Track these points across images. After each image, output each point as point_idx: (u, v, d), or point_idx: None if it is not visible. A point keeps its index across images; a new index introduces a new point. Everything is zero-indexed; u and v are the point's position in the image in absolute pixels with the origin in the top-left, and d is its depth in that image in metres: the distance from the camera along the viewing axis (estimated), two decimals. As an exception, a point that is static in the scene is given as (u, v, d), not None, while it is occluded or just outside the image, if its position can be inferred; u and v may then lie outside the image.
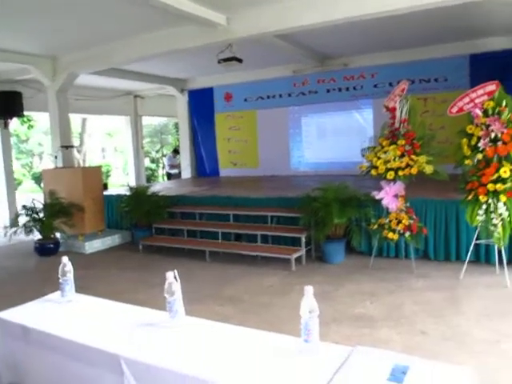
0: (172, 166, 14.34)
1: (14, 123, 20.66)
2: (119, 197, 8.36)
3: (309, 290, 1.92)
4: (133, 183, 13.32)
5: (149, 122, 22.62)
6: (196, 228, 7.37)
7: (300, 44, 8.75)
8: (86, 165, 23.04)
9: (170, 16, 6.35)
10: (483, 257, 5.66)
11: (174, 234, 7.69)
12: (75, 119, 21.06)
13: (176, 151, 14.75)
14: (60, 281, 2.70)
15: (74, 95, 11.70)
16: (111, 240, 8.14)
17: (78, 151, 22.84)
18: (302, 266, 6.09)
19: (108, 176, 20.78)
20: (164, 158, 16.35)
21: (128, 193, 8.12)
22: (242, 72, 11.02)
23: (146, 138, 23.43)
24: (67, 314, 2.57)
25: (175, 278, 2.29)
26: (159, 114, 16.00)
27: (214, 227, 7.13)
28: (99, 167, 9.04)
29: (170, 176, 14.17)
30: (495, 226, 4.88)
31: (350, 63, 10.07)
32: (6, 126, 10.69)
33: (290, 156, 11.30)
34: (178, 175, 13.66)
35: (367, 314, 4.36)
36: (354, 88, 10.25)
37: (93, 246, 7.80)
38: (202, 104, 12.35)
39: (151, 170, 20.32)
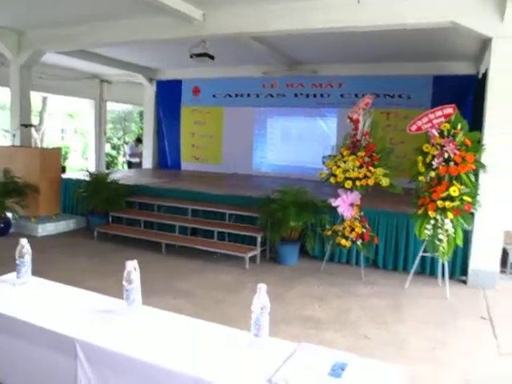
0: (133, 155, 14.18)
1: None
2: (78, 181, 8.23)
3: (262, 287, 2.02)
4: (92, 168, 13.10)
5: (113, 107, 22.25)
6: (153, 220, 7.37)
7: (272, 47, 8.85)
8: (44, 145, 22.40)
9: (146, 5, 6.27)
10: (428, 269, 5.95)
11: (130, 223, 7.65)
12: (36, 97, 20.44)
13: (139, 140, 14.60)
14: (17, 262, 2.69)
15: (38, 73, 11.37)
16: (65, 224, 8.01)
17: (37, 130, 22.14)
18: (256, 266, 6.21)
19: (65, 158, 20.23)
20: (125, 146, 16.10)
21: (87, 178, 8.00)
22: (213, 67, 10.98)
23: (109, 123, 23.03)
24: (22, 295, 2.57)
25: (134, 267, 2.33)
26: (125, 100, 15.75)
27: (172, 220, 7.15)
28: (59, 149, 8.84)
29: (130, 164, 14.00)
30: (441, 240, 5.15)
31: (320, 71, 10.27)
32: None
33: (252, 156, 11.39)
34: (139, 164, 13.52)
35: (315, 317, 4.53)
36: (321, 95, 10.45)
37: (46, 229, 7.67)
38: (169, 95, 12.26)
39: (111, 156, 19.95)
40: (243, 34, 6.84)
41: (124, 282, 2.33)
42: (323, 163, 6.01)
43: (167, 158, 12.54)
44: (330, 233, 5.85)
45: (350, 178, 5.60)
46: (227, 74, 11.22)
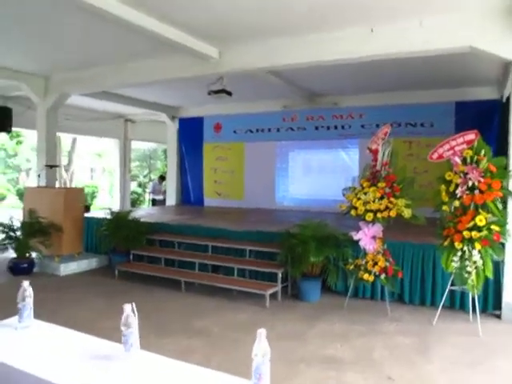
0: (156, 192, 14.31)
1: (3, 137, 20.73)
2: (100, 220, 8.27)
3: (262, 332, 1.88)
4: (117, 206, 13.27)
5: (139, 146, 22.72)
6: (174, 257, 7.29)
7: (291, 81, 8.91)
8: (73, 184, 22.94)
9: (164, 46, 6.45)
10: (458, 303, 5.65)
11: (152, 261, 7.59)
12: (66, 138, 21.09)
13: (162, 177, 14.78)
14: (18, 306, 2.62)
15: (65, 114, 11.74)
16: (88, 263, 8.01)
17: (66, 170, 22.78)
18: (276, 303, 6.01)
19: (94, 197, 20.64)
20: (150, 183, 16.32)
21: (109, 216, 8.04)
22: (233, 104, 11.14)
23: (135, 161, 23.49)
24: (22, 341, 2.49)
25: (133, 310, 2.23)
26: (149, 139, 16.06)
27: (192, 257, 7.06)
28: (82, 189, 8.98)
29: (154, 202, 14.12)
30: (469, 273, 4.89)
31: (340, 102, 10.25)
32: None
33: (275, 190, 11.33)
34: (163, 202, 13.61)
35: (336, 356, 4.30)
36: (342, 127, 10.39)
37: (68, 268, 7.68)
38: (191, 132, 12.42)
39: (137, 194, 20.24)
40: (257, 69, 6.89)
41: (122, 327, 2.21)
42: (343, 195, 5.85)
43: (190, 195, 12.59)
44: (352, 267, 5.64)
45: (371, 210, 5.42)
46: (247, 110, 11.33)
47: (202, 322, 5.23)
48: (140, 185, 21.19)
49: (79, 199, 8.27)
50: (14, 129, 10.63)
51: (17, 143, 22.27)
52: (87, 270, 7.94)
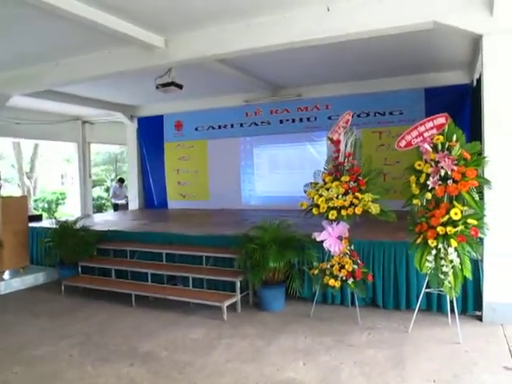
0: (116, 196, 13.57)
1: None
2: (45, 230, 7.54)
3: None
4: (78, 213, 12.51)
5: (107, 149, 21.88)
6: (125, 268, 6.58)
7: (251, 72, 8.38)
8: (37, 192, 21.94)
9: (106, 37, 5.91)
10: (435, 306, 5.13)
11: (103, 273, 6.89)
12: (27, 144, 20.10)
13: (121, 180, 14.10)
14: None
15: (16, 118, 10.98)
16: (34, 278, 7.25)
17: (29, 177, 21.78)
18: (236, 315, 5.38)
19: (58, 204, 19.69)
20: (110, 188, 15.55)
21: (54, 226, 7.31)
22: (194, 100, 10.59)
23: (101, 165, 22.64)
24: None
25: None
26: (109, 141, 15.32)
27: (144, 267, 6.37)
28: (24, 197, 8.34)
29: (117, 207, 13.34)
30: (446, 274, 4.35)
31: (304, 94, 9.74)
32: None
33: (241, 189, 10.74)
34: (126, 206, 12.88)
35: (297, 380, 3.69)
36: (308, 119, 9.86)
37: (10, 285, 6.92)
38: (151, 132, 11.76)
39: (105, 199, 19.38)
40: (207, 57, 6.27)
41: None
42: (304, 192, 5.27)
43: (153, 198, 11.93)
44: (316, 272, 5.04)
45: (334, 208, 4.85)
46: (209, 106, 10.79)
47: (149, 344, 4.57)
48: (107, 189, 20.33)
49: (22, 208, 7.50)
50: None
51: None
52: (34, 285, 7.19)
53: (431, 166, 4.42)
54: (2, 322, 5.45)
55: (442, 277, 4.37)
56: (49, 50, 6.81)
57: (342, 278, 4.80)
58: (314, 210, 4.98)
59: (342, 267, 4.82)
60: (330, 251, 4.99)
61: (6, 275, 7.12)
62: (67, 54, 6.99)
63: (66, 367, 4.09)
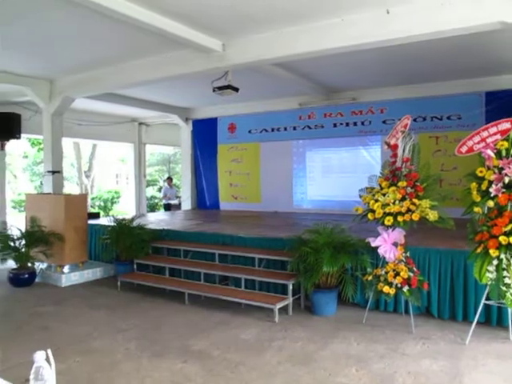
0: (168, 197, 13.86)
1: (24, 145, 20.75)
2: (104, 227, 7.83)
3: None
4: (133, 212, 12.92)
5: (160, 150, 22.45)
6: (179, 266, 6.74)
7: (306, 76, 8.40)
8: (94, 190, 22.83)
9: (165, 41, 6.10)
10: (495, 319, 4.91)
11: (158, 271, 7.08)
12: (86, 144, 20.98)
13: (170, 179, 14.50)
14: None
15: (77, 120, 11.47)
16: (91, 273, 7.57)
17: (87, 176, 22.69)
18: (287, 317, 5.40)
19: (113, 203, 20.39)
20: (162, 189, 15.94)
21: (111, 223, 7.59)
22: (248, 103, 10.69)
23: (156, 166, 23.22)
24: None
25: (47, 360, 1.66)
26: (164, 142, 15.69)
27: (197, 267, 6.49)
28: (84, 195, 8.63)
29: (169, 207, 13.64)
30: (508, 285, 4.18)
31: (359, 97, 9.64)
32: (2, 147, 10.40)
33: (293, 192, 10.72)
34: (178, 206, 13.15)
35: (350, 386, 3.67)
36: (362, 123, 9.72)
37: (70, 278, 7.25)
38: (205, 134, 11.97)
39: (158, 198, 19.88)
40: (264, 60, 6.33)
41: (32, 381, 1.63)
42: (360, 197, 5.20)
43: (206, 198, 12.11)
44: (370, 278, 4.97)
45: (390, 214, 4.77)
46: (262, 109, 10.88)
47: (201, 342, 4.65)
48: (160, 189, 20.86)
49: (82, 206, 7.84)
50: (23, 135, 10.36)
51: (38, 150, 22.27)
52: (91, 279, 7.50)
53: (494, 172, 4.26)
54: (63, 313, 5.70)
55: (504, 288, 4.20)
56: (111, 55, 7.12)
57: (396, 285, 4.71)
58: (370, 215, 4.91)
59: (397, 274, 4.73)
60: (384, 257, 4.90)
61: (66, 269, 7.46)
62: (128, 58, 7.28)
63: (122, 359, 4.23)
